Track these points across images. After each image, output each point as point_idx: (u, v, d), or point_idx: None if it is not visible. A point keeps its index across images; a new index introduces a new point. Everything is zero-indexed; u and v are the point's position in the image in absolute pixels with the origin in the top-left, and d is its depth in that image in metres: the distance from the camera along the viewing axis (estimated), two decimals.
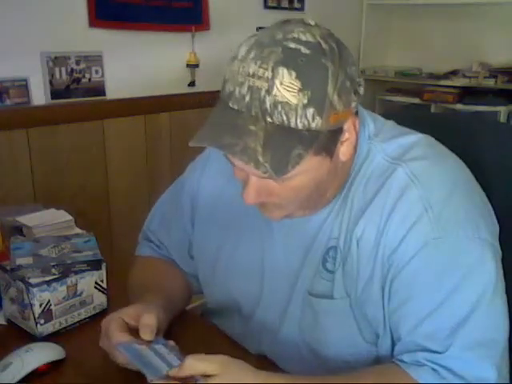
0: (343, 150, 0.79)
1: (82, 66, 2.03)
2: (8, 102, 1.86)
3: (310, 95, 0.69)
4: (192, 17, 2.30)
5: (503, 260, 0.81)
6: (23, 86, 1.89)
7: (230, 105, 0.73)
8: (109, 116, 2.13)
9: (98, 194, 2.15)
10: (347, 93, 0.73)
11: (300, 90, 0.69)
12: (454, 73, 2.87)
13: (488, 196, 0.87)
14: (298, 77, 0.69)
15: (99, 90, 2.10)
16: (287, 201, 0.80)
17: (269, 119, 0.70)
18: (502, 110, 2.67)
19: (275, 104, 0.69)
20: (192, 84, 2.36)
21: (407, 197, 0.78)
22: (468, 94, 2.79)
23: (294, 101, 0.69)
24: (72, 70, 2.01)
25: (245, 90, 0.70)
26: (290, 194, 0.78)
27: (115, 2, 2.07)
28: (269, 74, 0.69)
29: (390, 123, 0.90)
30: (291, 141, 0.70)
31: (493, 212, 0.85)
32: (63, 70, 1.99)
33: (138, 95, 2.21)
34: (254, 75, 0.70)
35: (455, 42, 2.93)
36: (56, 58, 1.96)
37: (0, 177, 1.87)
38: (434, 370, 0.74)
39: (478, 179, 0.87)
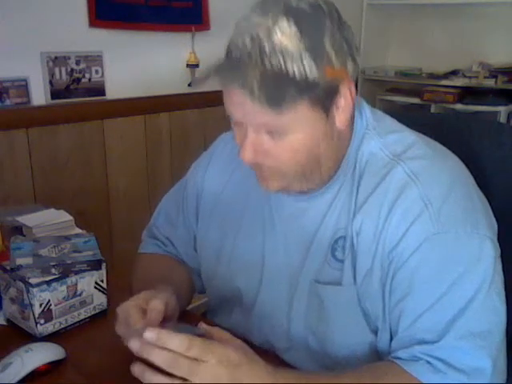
0: (339, 118, 0.81)
1: (82, 66, 2.03)
2: (8, 102, 1.86)
3: (307, 43, 0.73)
4: (192, 17, 2.30)
5: (503, 259, 0.81)
6: (23, 86, 1.89)
7: (233, 55, 0.77)
8: (109, 116, 2.13)
9: (98, 194, 2.15)
10: (343, 53, 0.77)
11: (298, 38, 0.73)
12: (454, 73, 2.86)
13: (488, 196, 0.87)
14: (296, 26, 0.73)
15: (99, 90, 2.10)
16: (283, 164, 0.81)
17: (267, 63, 0.73)
18: (502, 110, 2.66)
19: (274, 49, 0.73)
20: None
21: (407, 194, 0.80)
22: (468, 93, 2.79)
23: (291, 47, 0.73)
24: (72, 70, 2.01)
25: (247, 39, 0.74)
26: (286, 155, 0.80)
27: (115, 2, 2.07)
28: (269, 22, 0.73)
29: (389, 118, 0.91)
30: (287, 85, 0.73)
31: (491, 211, 0.85)
32: (63, 69, 1.98)
33: (138, 95, 2.21)
34: (255, 25, 0.74)
35: (455, 42, 2.93)
36: (56, 57, 1.96)
37: (0, 177, 1.87)
38: (428, 362, 0.74)
39: (477, 179, 0.87)
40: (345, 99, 0.80)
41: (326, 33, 0.75)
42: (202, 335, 0.74)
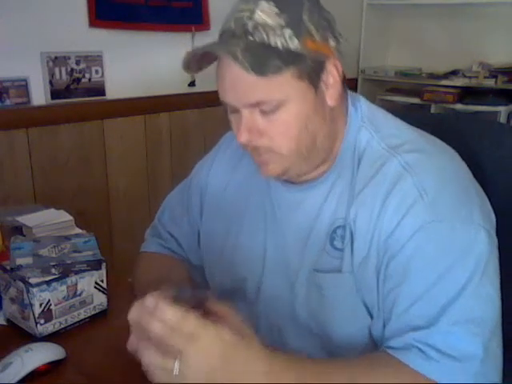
0: (329, 94, 0.84)
1: (82, 65, 2.03)
2: (8, 102, 1.86)
3: (287, 18, 0.78)
4: (192, 17, 2.30)
5: (503, 260, 0.81)
6: (23, 86, 1.89)
7: (220, 37, 0.83)
8: (109, 116, 2.14)
9: (97, 193, 2.15)
10: (323, 29, 0.82)
11: (277, 14, 0.78)
12: (454, 73, 2.86)
13: (488, 195, 0.87)
14: (276, 5, 0.79)
15: (99, 89, 2.10)
16: (278, 141, 0.83)
17: (250, 37, 0.78)
18: (502, 110, 2.66)
19: (256, 26, 0.78)
20: (192, 84, 2.36)
21: (402, 185, 0.81)
22: (468, 93, 2.79)
23: (272, 22, 0.78)
24: (72, 69, 2.01)
25: (232, 22, 0.81)
26: (279, 131, 0.82)
27: (115, 2, 2.08)
28: (251, 6, 0.80)
29: (387, 113, 0.93)
30: (271, 54, 0.77)
31: (489, 205, 0.86)
32: (63, 69, 1.99)
33: (138, 95, 2.21)
34: (239, 10, 0.81)
35: (455, 42, 2.93)
36: (56, 57, 1.96)
37: (0, 177, 1.87)
38: (421, 350, 0.75)
39: (478, 179, 0.87)
40: (332, 77, 0.83)
41: (305, 11, 0.80)
42: (202, 300, 0.74)
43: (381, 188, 0.82)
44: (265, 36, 0.77)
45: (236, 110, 0.83)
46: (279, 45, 0.78)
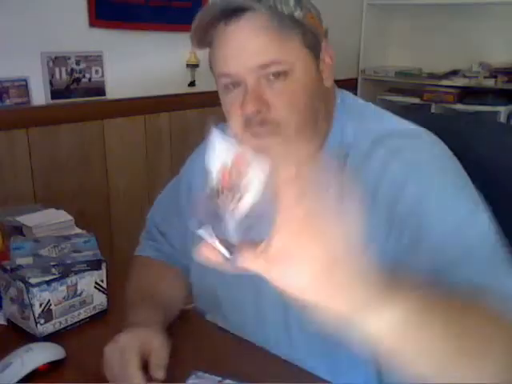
0: (325, 75, 0.87)
1: (82, 66, 2.03)
2: (8, 102, 1.86)
3: None
4: (192, 17, 2.30)
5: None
6: (23, 86, 1.89)
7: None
8: (109, 116, 2.14)
9: (98, 194, 2.15)
10: (317, 12, 0.86)
11: None
12: (454, 73, 2.87)
13: (488, 197, 0.87)
14: None
15: (99, 89, 2.10)
16: (284, 111, 0.81)
17: (258, 5, 0.80)
18: (502, 110, 2.67)
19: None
20: (192, 84, 2.36)
21: (391, 167, 0.81)
22: (468, 93, 2.79)
23: None
24: (72, 69, 2.01)
25: None
26: (287, 101, 0.81)
27: (115, 2, 2.08)
28: None
29: (373, 105, 0.95)
30: (281, 16, 0.80)
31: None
32: (63, 70, 1.99)
33: (138, 95, 2.21)
34: None
35: (455, 42, 2.93)
36: (56, 57, 1.96)
37: (0, 177, 1.87)
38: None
39: (478, 179, 0.87)
40: (325, 62, 0.86)
41: None
42: None
43: (371, 177, 0.82)
44: (271, 3, 0.80)
45: (237, 84, 0.82)
46: (286, 11, 0.80)
